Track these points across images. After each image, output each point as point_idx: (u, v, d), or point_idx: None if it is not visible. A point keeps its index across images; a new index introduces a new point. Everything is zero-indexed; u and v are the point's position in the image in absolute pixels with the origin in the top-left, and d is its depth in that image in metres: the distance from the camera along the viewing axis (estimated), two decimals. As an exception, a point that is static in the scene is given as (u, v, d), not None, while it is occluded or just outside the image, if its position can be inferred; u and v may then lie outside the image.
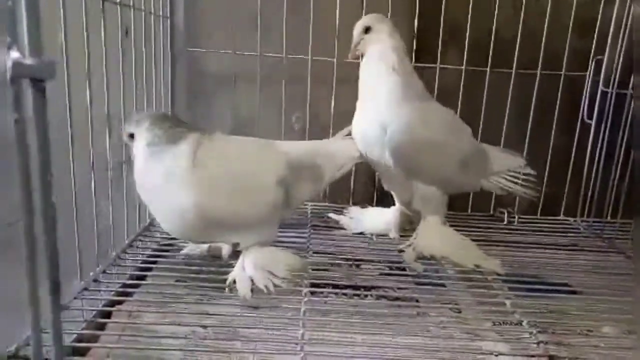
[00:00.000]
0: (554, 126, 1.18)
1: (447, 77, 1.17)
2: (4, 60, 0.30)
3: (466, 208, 1.20)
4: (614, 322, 0.74)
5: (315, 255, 0.94)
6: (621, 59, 1.12)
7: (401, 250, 0.95)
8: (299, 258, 0.85)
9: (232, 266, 0.82)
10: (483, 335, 0.73)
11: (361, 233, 1.06)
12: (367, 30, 0.94)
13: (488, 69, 1.16)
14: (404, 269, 0.90)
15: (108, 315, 0.73)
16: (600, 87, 1.16)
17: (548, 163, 1.18)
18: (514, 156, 1.05)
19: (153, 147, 0.77)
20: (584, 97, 1.20)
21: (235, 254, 0.86)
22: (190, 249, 0.92)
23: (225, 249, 0.89)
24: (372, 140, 0.93)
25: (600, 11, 1.13)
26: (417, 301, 0.81)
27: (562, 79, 1.17)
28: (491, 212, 1.20)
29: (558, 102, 1.17)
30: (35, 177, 0.32)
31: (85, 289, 0.76)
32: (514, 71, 1.14)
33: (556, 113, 1.17)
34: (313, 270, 0.85)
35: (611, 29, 1.12)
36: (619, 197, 1.15)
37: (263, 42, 1.11)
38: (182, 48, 1.17)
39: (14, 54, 0.29)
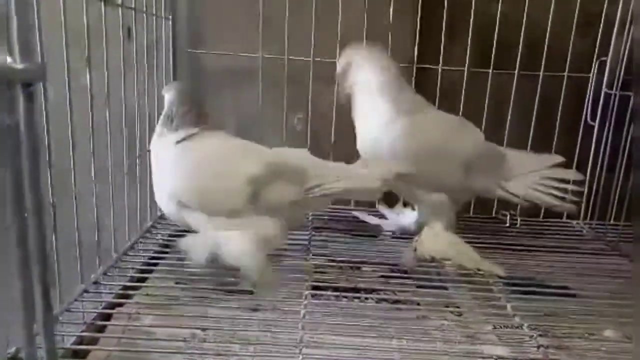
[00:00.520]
0: (556, 128, 1.17)
1: (449, 79, 1.17)
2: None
3: (468, 210, 1.20)
4: (615, 326, 0.73)
5: (315, 257, 0.93)
6: (625, 60, 1.11)
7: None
8: (254, 253, 0.80)
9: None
10: (484, 338, 0.72)
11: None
12: (347, 66, 0.98)
13: (490, 70, 1.15)
14: (405, 272, 0.90)
15: (108, 317, 0.73)
16: (604, 88, 1.16)
17: (550, 165, 1.17)
18: (539, 156, 1.03)
19: (162, 127, 0.86)
20: (587, 98, 1.19)
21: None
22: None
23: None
24: (373, 151, 0.96)
25: (604, 12, 1.12)
26: (417, 304, 0.81)
27: (565, 80, 1.16)
28: (493, 214, 1.19)
29: (561, 103, 1.16)
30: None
31: (86, 291, 0.76)
32: (516, 72, 1.13)
33: (559, 114, 1.16)
34: (314, 272, 0.85)
35: (615, 30, 1.12)
36: (623, 199, 1.14)
37: (265, 43, 1.11)
38: (184, 49, 1.17)
39: (5, 58, 0.29)
